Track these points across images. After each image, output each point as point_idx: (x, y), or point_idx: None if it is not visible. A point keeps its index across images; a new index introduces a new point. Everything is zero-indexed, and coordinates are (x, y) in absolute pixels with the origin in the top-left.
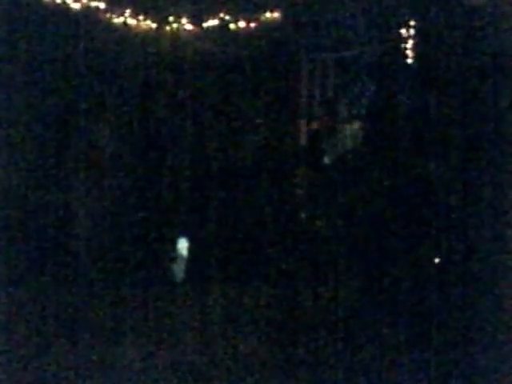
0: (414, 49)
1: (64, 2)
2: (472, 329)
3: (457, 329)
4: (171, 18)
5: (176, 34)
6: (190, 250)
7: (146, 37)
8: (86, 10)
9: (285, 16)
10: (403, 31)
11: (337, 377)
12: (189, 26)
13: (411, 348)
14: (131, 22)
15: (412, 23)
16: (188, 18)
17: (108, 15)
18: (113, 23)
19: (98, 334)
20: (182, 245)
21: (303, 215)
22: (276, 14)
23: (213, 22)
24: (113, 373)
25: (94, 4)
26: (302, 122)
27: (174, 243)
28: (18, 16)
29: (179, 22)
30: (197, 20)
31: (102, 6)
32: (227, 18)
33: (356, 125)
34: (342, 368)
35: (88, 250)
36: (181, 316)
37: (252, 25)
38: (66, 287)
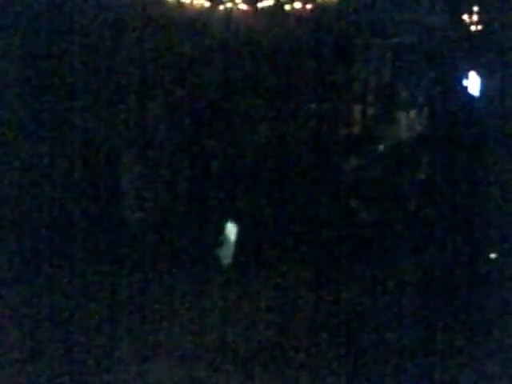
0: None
1: None
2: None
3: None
4: None
5: (229, 14)
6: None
7: (198, 16)
8: None
9: None
10: (465, 17)
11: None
12: (243, 6)
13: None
14: (184, 0)
15: (475, 8)
16: None
17: None
18: (167, 1)
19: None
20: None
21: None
22: None
23: (268, 3)
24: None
25: None
26: (356, 108)
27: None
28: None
29: (233, 2)
30: (251, 0)
31: None
32: None
33: (413, 113)
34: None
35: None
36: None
37: (308, 6)
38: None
